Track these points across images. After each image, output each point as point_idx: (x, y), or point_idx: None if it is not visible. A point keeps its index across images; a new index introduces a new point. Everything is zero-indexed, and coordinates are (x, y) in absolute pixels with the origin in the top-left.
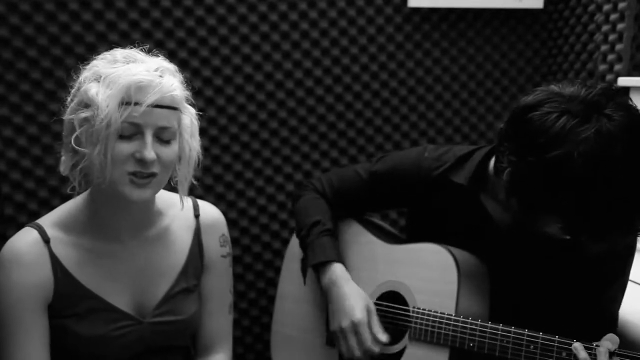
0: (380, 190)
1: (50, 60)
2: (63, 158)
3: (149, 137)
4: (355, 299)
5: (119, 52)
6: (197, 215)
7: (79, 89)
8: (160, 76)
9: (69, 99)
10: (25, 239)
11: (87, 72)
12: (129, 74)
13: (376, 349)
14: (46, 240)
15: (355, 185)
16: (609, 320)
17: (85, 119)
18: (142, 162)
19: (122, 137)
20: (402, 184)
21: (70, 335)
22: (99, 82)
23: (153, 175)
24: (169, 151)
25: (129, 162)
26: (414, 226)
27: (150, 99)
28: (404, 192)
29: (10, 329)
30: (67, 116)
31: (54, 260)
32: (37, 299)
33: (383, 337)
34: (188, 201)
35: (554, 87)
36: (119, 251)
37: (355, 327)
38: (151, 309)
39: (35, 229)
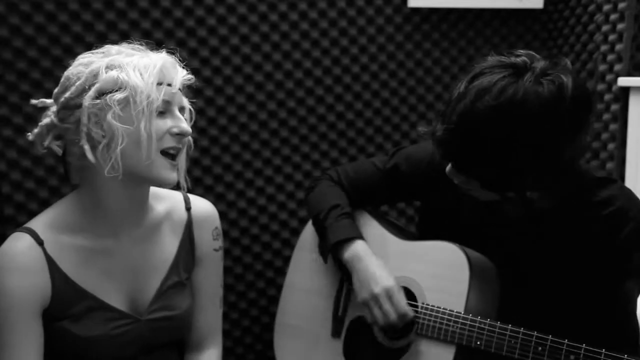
0: (395, 182)
1: (50, 60)
2: (87, 147)
3: (179, 113)
4: (384, 270)
5: (112, 48)
6: (188, 209)
7: (90, 80)
8: (173, 59)
9: (68, 94)
10: (19, 243)
11: (91, 66)
12: (158, 58)
13: (411, 314)
14: (40, 242)
15: (371, 176)
16: (626, 323)
17: (122, 100)
18: (178, 136)
19: (157, 114)
20: (416, 175)
21: (68, 338)
22: (119, 68)
23: (179, 151)
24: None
25: (165, 139)
26: (426, 222)
27: (179, 78)
28: (418, 184)
29: (6, 335)
30: (88, 104)
31: (50, 262)
32: (33, 304)
33: (410, 311)
34: (179, 195)
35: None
36: (112, 249)
37: (388, 292)
38: (146, 305)
39: (27, 232)
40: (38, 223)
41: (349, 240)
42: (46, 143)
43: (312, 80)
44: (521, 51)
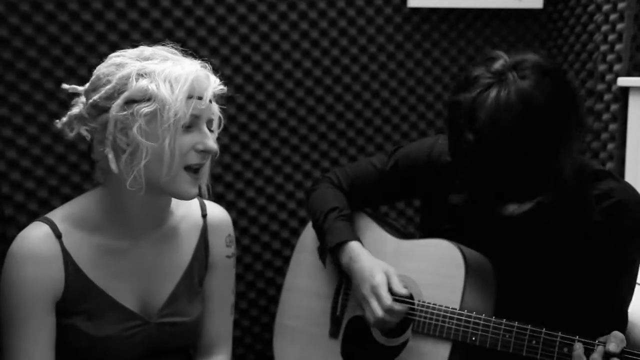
0: (394, 180)
1: (50, 60)
2: (110, 156)
3: (206, 129)
4: (373, 267)
5: (145, 50)
6: (204, 215)
7: (120, 86)
8: (206, 70)
9: (97, 96)
10: (38, 233)
11: (123, 70)
12: (190, 70)
13: (397, 307)
14: (58, 235)
15: (370, 175)
16: (617, 318)
17: (149, 114)
18: (203, 152)
19: (184, 129)
20: (415, 171)
21: (78, 336)
22: (149, 77)
23: (202, 166)
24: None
25: (189, 155)
26: (426, 220)
27: (210, 92)
28: (416, 181)
29: (20, 324)
30: (116, 113)
31: (66, 255)
32: (47, 295)
33: (403, 290)
34: (195, 201)
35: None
36: (129, 250)
37: (374, 289)
38: (157, 309)
39: (47, 223)
40: (59, 215)
41: (344, 243)
42: (74, 132)
43: (312, 80)
44: (470, 69)
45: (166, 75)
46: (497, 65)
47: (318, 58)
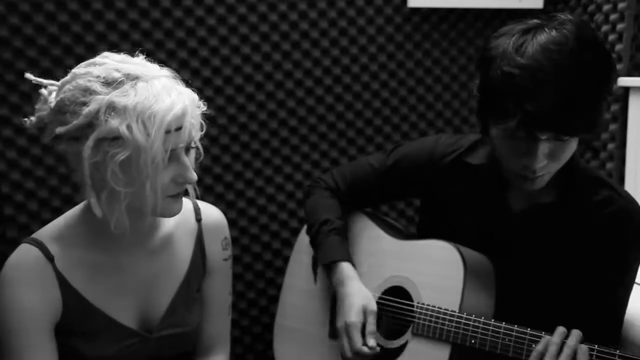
0: (393, 180)
1: (50, 60)
2: (93, 200)
3: (185, 159)
4: (354, 299)
5: (111, 68)
6: (198, 220)
7: (88, 122)
8: (180, 92)
9: (64, 129)
10: (28, 257)
11: (92, 105)
12: (165, 108)
13: (365, 349)
14: (50, 258)
15: (368, 175)
16: (613, 321)
17: (123, 161)
18: (183, 183)
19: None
20: (415, 172)
21: (77, 356)
22: (120, 116)
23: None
24: (192, 158)
25: (168, 188)
26: (425, 220)
27: (188, 118)
28: (417, 181)
29: (20, 352)
30: (89, 159)
31: (60, 278)
32: (45, 319)
33: (372, 342)
34: (189, 204)
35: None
36: (123, 264)
37: (347, 328)
38: (156, 322)
39: (36, 246)
40: (48, 235)
41: (334, 263)
42: (47, 138)
43: (312, 80)
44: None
45: (139, 113)
46: (533, 21)
47: (318, 58)
